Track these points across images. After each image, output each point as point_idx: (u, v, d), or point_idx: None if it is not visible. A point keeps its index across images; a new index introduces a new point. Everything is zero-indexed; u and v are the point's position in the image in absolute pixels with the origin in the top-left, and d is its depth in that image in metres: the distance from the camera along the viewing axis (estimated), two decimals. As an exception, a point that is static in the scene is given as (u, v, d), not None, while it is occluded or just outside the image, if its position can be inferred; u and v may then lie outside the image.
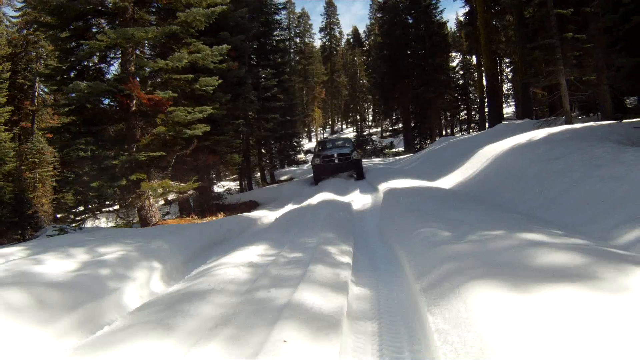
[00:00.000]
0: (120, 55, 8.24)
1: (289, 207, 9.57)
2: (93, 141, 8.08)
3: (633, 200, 4.05)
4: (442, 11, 29.02)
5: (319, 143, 17.20)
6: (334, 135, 50.56)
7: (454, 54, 36.24)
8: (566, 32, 11.26)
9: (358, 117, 48.76)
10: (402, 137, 29.88)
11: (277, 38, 20.73)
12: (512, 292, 1.91)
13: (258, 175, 20.44)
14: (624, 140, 6.44)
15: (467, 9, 24.95)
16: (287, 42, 27.55)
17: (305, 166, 25.86)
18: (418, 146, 26.49)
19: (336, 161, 14.05)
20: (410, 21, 27.15)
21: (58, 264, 3.50)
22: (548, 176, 6.03)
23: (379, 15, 37.02)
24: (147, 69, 8.15)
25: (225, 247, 5.20)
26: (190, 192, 9.18)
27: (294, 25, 51.64)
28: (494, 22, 20.45)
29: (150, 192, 8.18)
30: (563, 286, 1.91)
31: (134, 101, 7.98)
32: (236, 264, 3.59)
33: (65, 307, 2.75)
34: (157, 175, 8.48)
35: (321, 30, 58.50)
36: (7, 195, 18.99)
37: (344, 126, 59.50)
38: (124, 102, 7.79)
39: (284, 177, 21.68)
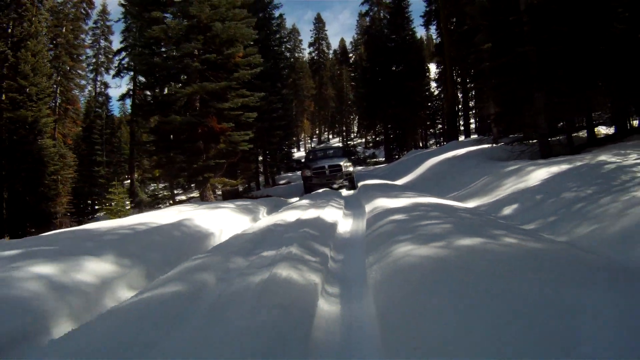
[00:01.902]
0: (199, 99, 13.72)
1: (299, 197, 15.12)
2: (181, 152, 13.54)
3: (467, 183, 9.74)
4: (420, 41, 34.82)
5: (308, 153, 18.35)
6: (322, 145, 56.17)
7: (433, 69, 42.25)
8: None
9: (344, 129, 54.78)
10: (382, 149, 35.65)
11: (281, 65, 26.45)
12: (385, 197, 7.55)
13: (261, 178, 25.99)
14: (490, 157, 12.20)
15: (439, 41, 31.01)
16: (284, 61, 32.84)
17: (299, 172, 31.46)
18: (396, 157, 32.21)
19: (327, 173, 14.47)
20: (392, 45, 32.88)
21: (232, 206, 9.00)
22: (452, 173, 11.74)
23: (363, 37, 43.10)
24: (216, 108, 13.64)
25: (279, 210, 10.68)
26: (238, 186, 14.72)
27: (284, 40, 57.37)
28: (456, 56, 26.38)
29: (216, 185, 13.70)
30: (397, 198, 7.54)
31: (207, 129, 13.50)
32: (288, 215, 9.05)
33: (249, 214, 8.28)
34: (218, 175, 13.97)
35: (310, 45, 64.64)
36: (51, 192, 24.42)
37: (331, 136, 65.33)
38: (203, 129, 13.28)
39: (282, 181, 27.36)
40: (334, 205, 8.20)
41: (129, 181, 38.25)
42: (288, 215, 6.96)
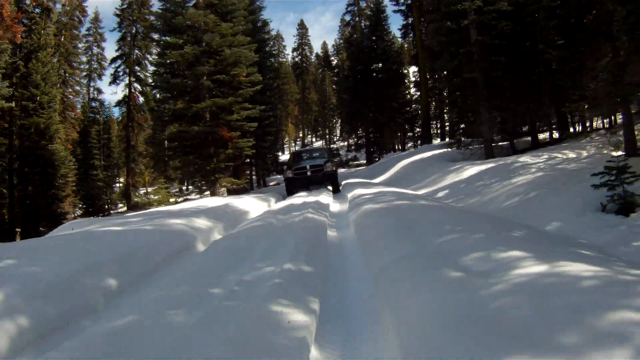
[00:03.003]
0: (209, 112, 16.92)
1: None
2: (197, 156, 16.71)
3: (423, 179, 13.16)
4: (398, 51, 38.36)
5: (292, 154, 18.52)
6: (307, 147, 59.47)
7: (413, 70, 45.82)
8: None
9: (327, 132, 58.32)
10: (364, 151, 39.05)
11: (269, 75, 29.71)
12: (361, 189, 10.91)
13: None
14: (448, 158, 15.63)
15: (415, 51, 34.54)
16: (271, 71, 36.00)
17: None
18: (376, 159, 35.58)
19: (309, 173, 14.22)
20: (372, 55, 36.28)
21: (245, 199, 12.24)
22: (417, 172, 15.16)
23: (346, 46, 46.59)
24: (225, 119, 16.84)
25: (286, 199, 13.87)
26: (243, 185, 17.99)
27: (273, 50, 60.71)
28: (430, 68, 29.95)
29: (224, 184, 16.93)
30: (370, 189, 10.91)
31: (218, 137, 16.71)
32: (295, 200, 12.30)
33: (265, 202, 11.55)
34: (227, 175, 17.20)
35: (294, 50, 67.97)
36: (62, 194, 27.27)
37: (314, 139, 68.76)
38: (214, 137, 16.48)
39: (272, 183, 30.66)
40: (325, 195, 11.50)
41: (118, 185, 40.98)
42: (295, 200, 10.25)
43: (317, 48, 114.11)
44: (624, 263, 2.93)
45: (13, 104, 24.96)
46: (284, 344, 2.19)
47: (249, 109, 17.30)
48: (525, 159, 10.75)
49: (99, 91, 48.64)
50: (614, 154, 9.10)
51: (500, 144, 16.53)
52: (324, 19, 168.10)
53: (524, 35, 13.96)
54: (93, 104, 44.29)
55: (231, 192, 19.52)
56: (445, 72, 17.32)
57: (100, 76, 44.97)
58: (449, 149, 17.31)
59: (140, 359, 2.17)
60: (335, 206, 9.88)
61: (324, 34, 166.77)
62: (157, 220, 6.62)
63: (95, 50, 44.96)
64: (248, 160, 23.68)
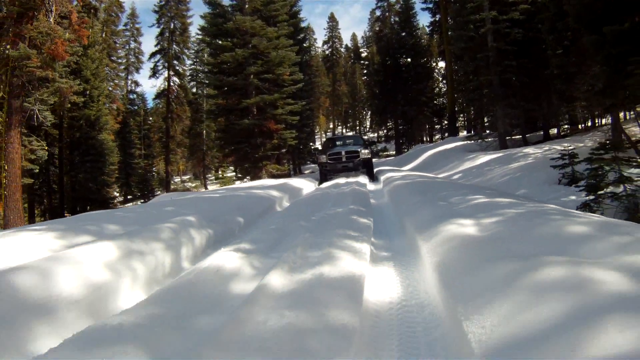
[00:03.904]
0: (255, 106, 19.69)
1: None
2: (246, 145, 19.51)
3: (443, 166, 15.67)
4: (426, 46, 40.56)
5: (327, 140, 18.77)
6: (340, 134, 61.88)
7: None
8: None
9: (357, 123, 60.83)
10: (393, 143, 41.45)
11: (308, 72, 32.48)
12: (391, 173, 13.50)
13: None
14: (467, 149, 18.06)
15: (442, 48, 36.69)
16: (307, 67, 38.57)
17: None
18: (405, 150, 37.93)
19: (344, 159, 14.20)
20: (401, 52, 38.53)
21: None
22: (439, 161, 17.67)
23: (375, 40, 48.90)
24: (272, 113, 19.58)
25: (328, 181, 16.55)
26: (286, 171, 20.79)
27: (305, 44, 63.27)
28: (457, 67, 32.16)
29: (270, 170, 19.71)
30: (399, 173, 13.49)
31: (266, 129, 19.46)
32: (338, 182, 14.94)
33: (312, 183, 14.27)
34: (273, 162, 19.98)
35: (324, 43, 70.51)
36: (110, 180, 30.33)
37: (345, 131, 71.28)
38: (262, 129, 19.24)
39: (307, 171, 33.50)
40: (362, 178, 14.09)
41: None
42: (339, 182, 12.86)
43: (346, 39, 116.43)
44: (535, 202, 5.47)
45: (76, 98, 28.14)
46: (363, 222, 4.88)
47: (291, 104, 20.03)
48: (528, 150, 13.14)
49: (136, 84, 51.98)
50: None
51: (514, 137, 18.86)
52: (353, 10, 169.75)
53: (533, 41, 16.24)
54: (131, 96, 47.63)
55: (274, 177, 22.33)
56: (465, 73, 19.74)
57: (137, 69, 48.13)
58: (469, 141, 19.68)
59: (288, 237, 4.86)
60: (371, 186, 12.49)
61: (354, 24, 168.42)
62: (242, 191, 9.38)
63: (133, 44, 48.22)
64: (284, 150, 26.51)
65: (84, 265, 3.13)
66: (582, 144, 14.04)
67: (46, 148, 20.89)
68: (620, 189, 5.52)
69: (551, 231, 2.85)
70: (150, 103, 50.38)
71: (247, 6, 20.42)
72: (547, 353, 1.51)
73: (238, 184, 19.95)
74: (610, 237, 2.55)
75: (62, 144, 27.42)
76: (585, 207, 5.62)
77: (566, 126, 20.01)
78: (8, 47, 14.64)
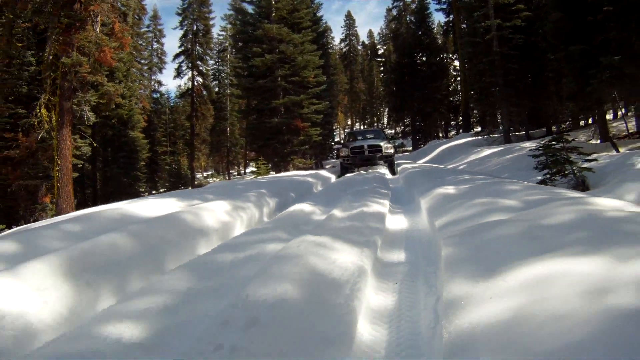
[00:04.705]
0: (283, 106, 22.10)
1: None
2: (276, 142, 21.94)
3: (452, 158, 17.94)
4: (441, 45, 42.67)
5: (348, 134, 19.35)
6: (361, 129, 64.07)
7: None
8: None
9: (375, 120, 63.05)
10: (410, 139, 43.64)
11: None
12: (407, 164, 15.80)
13: (311, 163, 34.59)
14: (475, 144, 20.28)
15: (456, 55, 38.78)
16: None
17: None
18: (421, 145, 40.04)
19: (366, 153, 14.43)
20: (417, 51, 40.63)
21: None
22: (450, 154, 19.93)
23: (392, 38, 51.07)
24: (299, 113, 21.98)
25: (349, 174, 18.88)
26: (311, 165, 23.24)
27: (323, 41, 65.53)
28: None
29: (297, 164, 22.14)
30: (414, 164, 15.78)
31: (293, 126, 21.85)
32: (360, 173, 17.26)
33: (333, 174, 16.66)
34: (299, 157, 22.39)
35: (342, 41, 72.70)
36: (142, 175, 32.75)
37: (362, 127, 73.51)
38: (290, 126, 21.64)
39: (328, 166, 35.93)
40: (382, 169, 16.39)
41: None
42: (361, 173, 15.17)
43: (362, 35, 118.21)
44: (502, 179, 7.73)
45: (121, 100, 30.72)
46: (384, 192, 7.26)
47: (316, 104, 22.43)
48: (526, 144, 15.28)
49: (160, 84, 54.53)
50: (594, 141, 13.80)
51: (517, 133, 21.01)
52: (369, 6, 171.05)
53: (533, 45, 18.36)
54: (155, 95, 50.12)
55: (300, 170, 24.75)
56: (475, 74, 21.94)
57: (160, 70, 50.29)
58: (477, 137, 21.89)
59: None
60: (389, 175, 14.80)
61: (370, 21, 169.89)
62: (284, 178, 11.80)
63: (155, 45, 50.63)
64: (308, 146, 28.93)
65: (215, 212, 5.53)
66: (576, 139, 16.30)
67: (94, 144, 23.46)
68: (568, 170, 7.81)
69: (497, 189, 5.18)
70: (172, 102, 52.67)
71: (273, 14, 22.82)
72: (468, 222, 3.86)
73: (273, 174, 22.43)
74: (525, 191, 4.86)
75: (95, 141, 29.90)
76: (541, 182, 7.93)
77: (568, 122, 22.05)
78: (61, 55, 16.78)
